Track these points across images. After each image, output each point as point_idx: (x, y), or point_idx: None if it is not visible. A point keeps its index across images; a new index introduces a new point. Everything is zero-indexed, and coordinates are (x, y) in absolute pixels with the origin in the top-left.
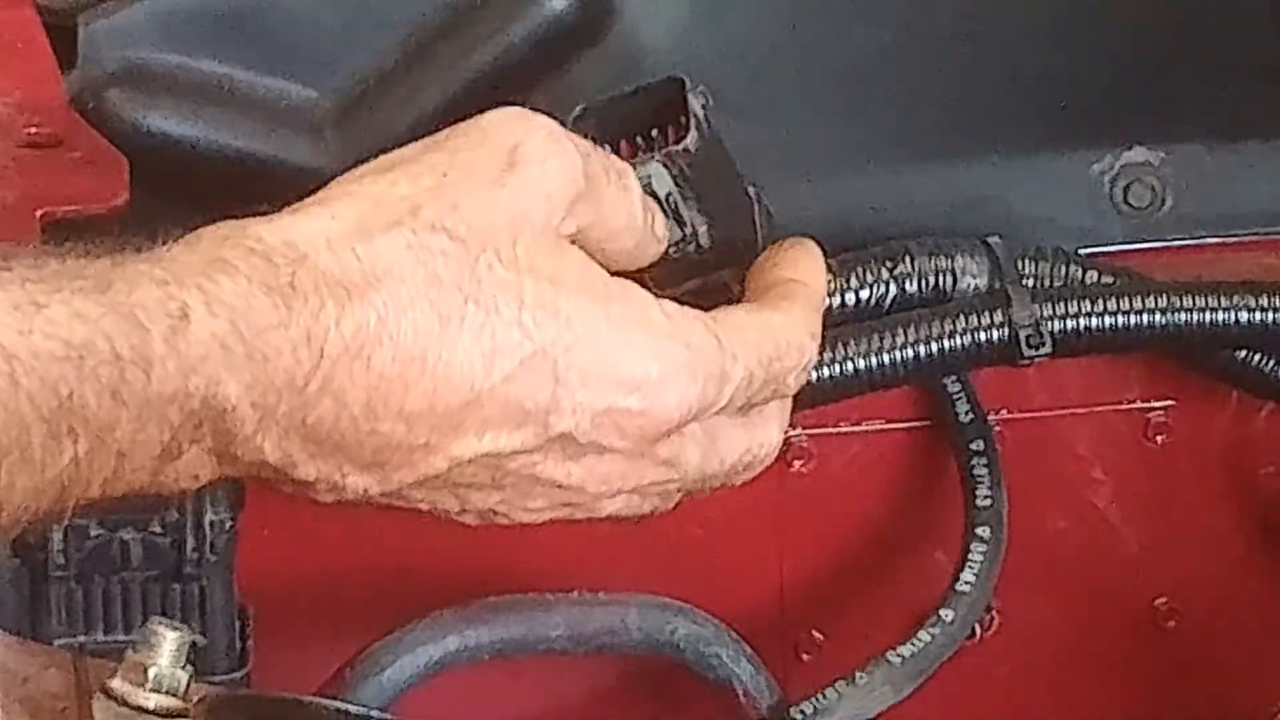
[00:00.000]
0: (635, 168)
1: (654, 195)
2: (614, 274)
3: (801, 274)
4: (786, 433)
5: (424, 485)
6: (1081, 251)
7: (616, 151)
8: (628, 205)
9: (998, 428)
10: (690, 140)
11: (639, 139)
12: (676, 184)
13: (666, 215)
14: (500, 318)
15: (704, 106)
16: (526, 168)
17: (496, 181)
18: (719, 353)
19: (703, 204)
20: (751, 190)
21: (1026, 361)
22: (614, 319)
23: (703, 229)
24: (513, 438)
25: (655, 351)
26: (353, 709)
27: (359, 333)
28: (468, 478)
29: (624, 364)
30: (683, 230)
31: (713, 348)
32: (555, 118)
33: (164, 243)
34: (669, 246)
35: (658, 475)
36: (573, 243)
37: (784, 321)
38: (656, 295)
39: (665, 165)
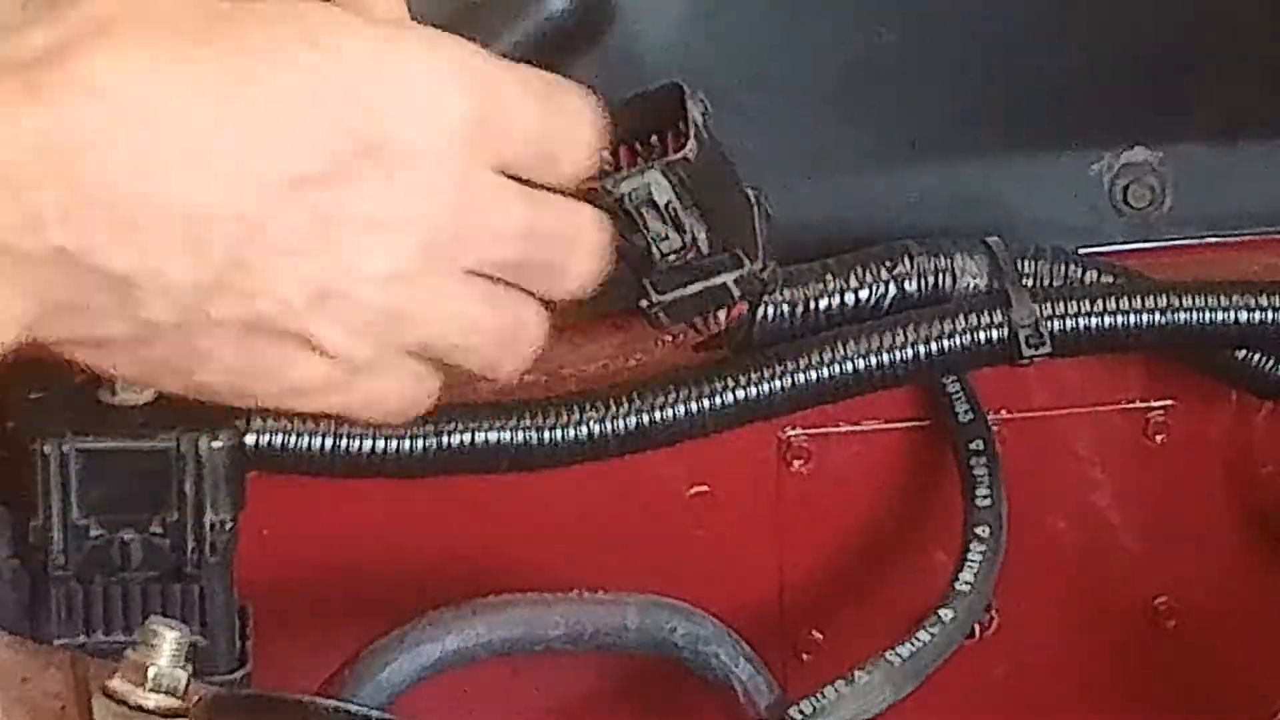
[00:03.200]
0: (633, 175)
1: (653, 204)
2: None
3: None
4: (786, 432)
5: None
6: (1081, 251)
7: (616, 159)
8: None
9: (997, 428)
10: (690, 149)
11: (638, 145)
12: (676, 192)
13: (665, 223)
14: None
15: (703, 113)
16: None
17: None
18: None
19: (702, 210)
20: (751, 192)
21: (1026, 361)
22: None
23: (702, 235)
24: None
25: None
26: (353, 709)
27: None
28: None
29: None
30: (682, 237)
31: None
32: None
33: None
34: (669, 253)
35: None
36: None
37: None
38: (652, 304)
39: (665, 174)
